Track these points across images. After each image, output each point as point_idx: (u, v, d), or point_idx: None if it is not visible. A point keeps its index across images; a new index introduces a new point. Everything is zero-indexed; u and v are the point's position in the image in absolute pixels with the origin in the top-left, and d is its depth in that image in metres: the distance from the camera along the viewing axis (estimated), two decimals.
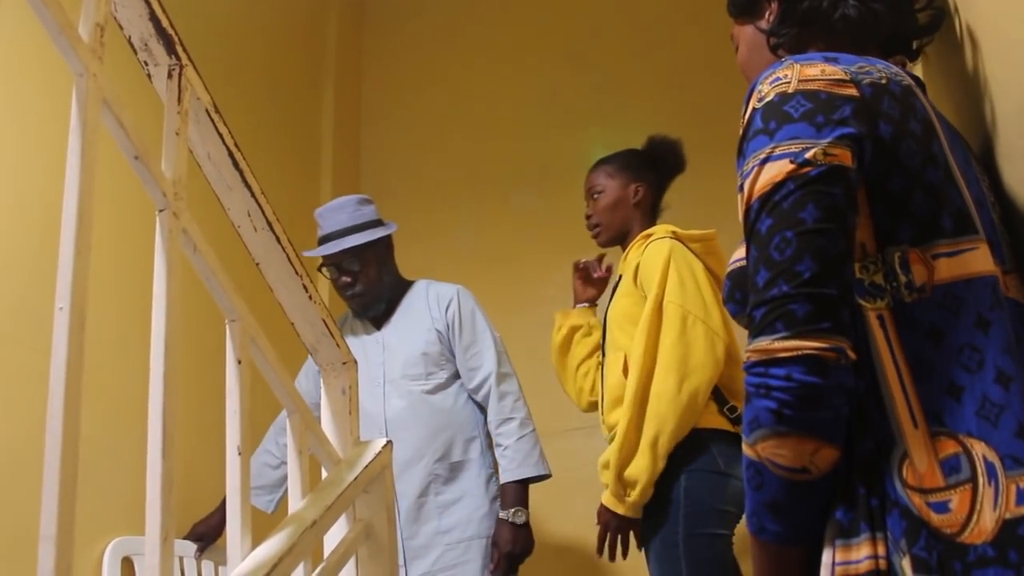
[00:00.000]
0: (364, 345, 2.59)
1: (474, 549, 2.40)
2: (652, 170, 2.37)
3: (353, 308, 2.63)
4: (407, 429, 2.46)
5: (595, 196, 2.36)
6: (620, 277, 2.28)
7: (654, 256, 2.13)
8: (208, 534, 2.46)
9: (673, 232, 2.21)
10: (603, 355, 2.27)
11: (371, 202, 2.63)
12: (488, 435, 2.54)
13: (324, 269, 2.60)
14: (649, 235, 2.24)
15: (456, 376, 2.55)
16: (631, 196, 2.32)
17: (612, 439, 2.11)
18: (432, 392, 2.50)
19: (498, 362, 2.51)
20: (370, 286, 2.55)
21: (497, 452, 2.47)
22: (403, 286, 2.65)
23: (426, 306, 2.58)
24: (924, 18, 1.13)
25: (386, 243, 2.61)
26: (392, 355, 2.54)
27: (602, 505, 2.04)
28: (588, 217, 2.38)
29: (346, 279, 2.53)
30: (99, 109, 0.95)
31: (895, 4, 1.09)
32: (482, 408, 2.55)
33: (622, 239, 2.35)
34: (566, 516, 3.19)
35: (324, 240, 2.54)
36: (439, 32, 4.14)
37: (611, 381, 2.16)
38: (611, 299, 2.29)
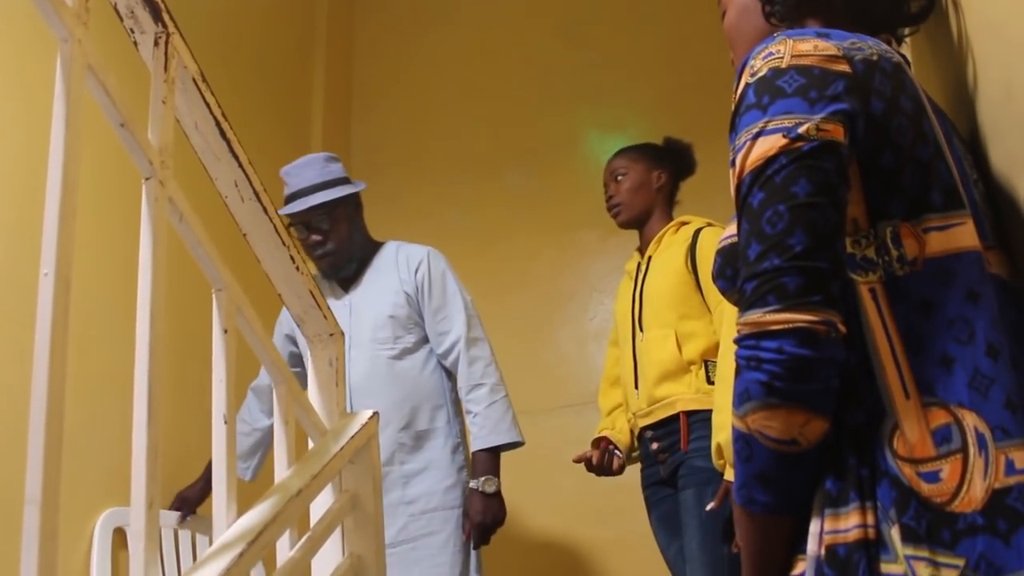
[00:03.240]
0: (331, 308, 2.53)
1: (439, 520, 2.33)
2: (671, 163, 2.48)
3: (322, 269, 2.51)
4: (372, 396, 2.38)
5: (618, 178, 2.45)
6: (650, 258, 2.37)
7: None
8: (190, 499, 2.44)
9: (708, 223, 2.32)
10: (638, 330, 2.32)
11: (338, 160, 2.55)
12: (456, 403, 2.47)
13: (292, 228, 2.45)
14: (686, 222, 2.36)
15: (424, 341, 2.46)
16: (654, 181, 2.43)
17: (650, 413, 2.23)
18: (398, 357, 2.42)
19: (468, 326, 2.42)
20: (341, 245, 2.46)
21: (468, 419, 2.40)
22: (373, 247, 2.57)
23: (395, 267, 2.50)
24: (915, 7, 1.13)
25: (356, 201, 2.52)
26: (359, 318, 2.46)
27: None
28: (610, 198, 2.46)
29: (316, 238, 2.43)
30: (84, 75, 0.95)
31: None
32: (451, 375, 2.48)
33: (640, 222, 2.44)
34: (554, 495, 3.21)
35: (292, 198, 2.44)
36: (431, 8, 4.12)
37: (660, 356, 2.23)
38: (644, 277, 2.36)
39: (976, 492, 0.81)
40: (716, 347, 2.15)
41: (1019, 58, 0.93)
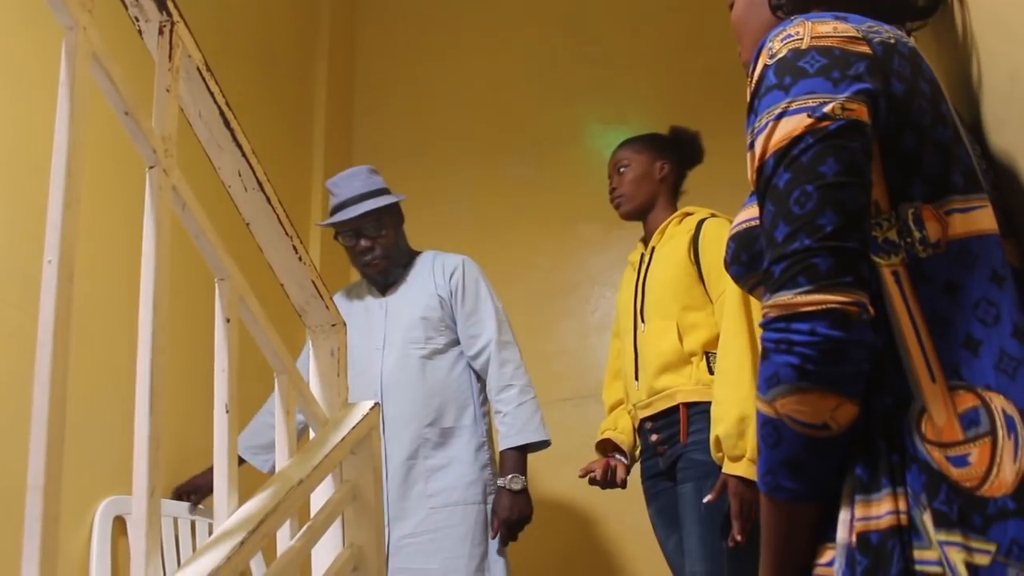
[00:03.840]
0: (368, 309, 2.64)
1: (458, 515, 2.41)
2: (676, 152, 2.47)
3: (371, 274, 2.64)
4: (401, 391, 2.48)
5: (621, 170, 2.45)
6: (653, 249, 2.36)
7: (723, 236, 2.17)
8: (202, 487, 2.46)
9: (712, 214, 2.31)
10: (640, 321, 2.32)
11: (379, 172, 2.69)
12: (483, 404, 2.56)
13: (341, 236, 2.62)
14: (689, 213, 2.35)
15: (455, 343, 2.57)
16: (657, 172, 2.43)
17: (649, 404, 2.23)
18: (428, 357, 2.52)
19: (499, 330, 2.53)
20: (388, 251, 2.59)
21: (497, 419, 2.48)
22: (412, 255, 2.70)
23: (431, 273, 2.62)
24: (923, 1, 1.12)
25: (399, 211, 2.66)
26: (394, 319, 2.57)
27: (735, 479, 1.93)
28: (613, 190, 2.45)
29: (366, 243, 2.56)
30: (89, 63, 0.95)
31: None
32: (479, 377, 2.57)
33: (643, 213, 2.43)
34: (555, 486, 3.22)
35: (340, 207, 2.56)
36: (433, 1, 4.11)
37: (661, 347, 2.23)
38: (647, 268, 2.35)
39: (1006, 476, 0.80)
40: (717, 338, 2.14)
41: None
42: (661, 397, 2.21)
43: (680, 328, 2.21)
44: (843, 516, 0.85)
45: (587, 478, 2.36)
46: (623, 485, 2.36)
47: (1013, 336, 0.85)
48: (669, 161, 2.44)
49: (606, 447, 2.41)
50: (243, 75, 3.21)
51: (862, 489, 0.85)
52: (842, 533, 0.85)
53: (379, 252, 2.57)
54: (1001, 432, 0.82)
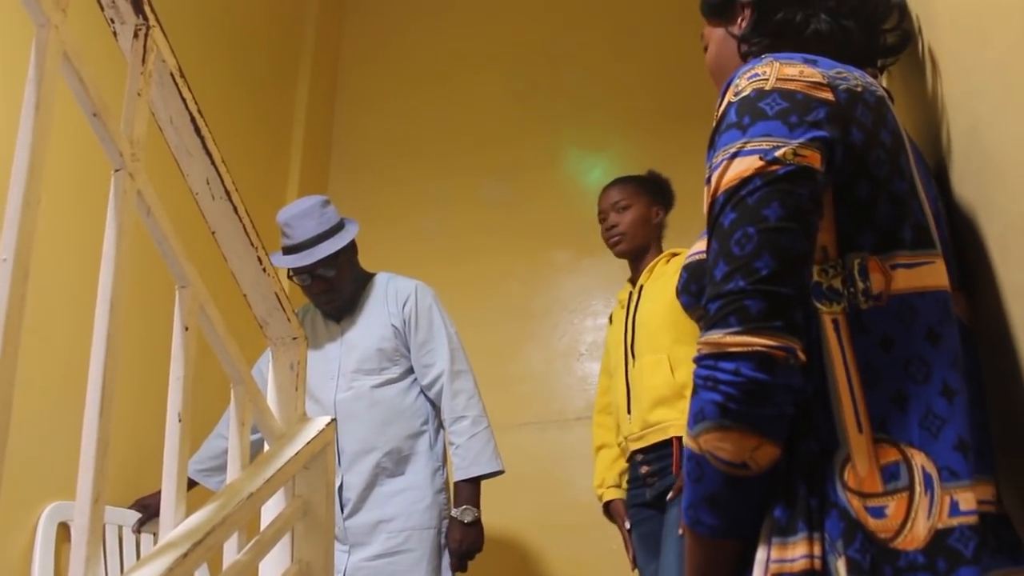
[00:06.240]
0: (323, 338, 2.63)
1: (415, 539, 2.41)
2: (663, 198, 2.55)
3: (325, 310, 2.63)
4: (356, 421, 2.48)
5: (621, 209, 2.49)
6: (642, 287, 2.43)
7: None
8: (151, 507, 2.44)
9: None
10: (631, 357, 2.36)
11: (330, 202, 2.63)
12: (438, 430, 2.57)
13: (296, 277, 2.57)
14: (676, 253, 2.43)
15: (409, 371, 2.56)
16: (653, 216, 2.51)
17: (642, 437, 2.27)
18: (381, 386, 2.51)
19: (452, 359, 2.52)
20: (344, 290, 2.56)
21: (450, 450, 2.49)
22: (366, 279, 2.67)
23: (384, 301, 2.59)
24: (892, 39, 1.15)
25: (354, 242, 2.62)
26: (349, 350, 2.56)
27: None
28: (612, 227, 2.49)
29: (323, 285, 2.53)
30: (59, 61, 0.94)
31: (866, 23, 1.11)
32: (435, 404, 2.56)
33: (639, 254, 2.49)
34: (515, 510, 3.21)
35: (295, 249, 2.50)
36: (419, 21, 4.14)
37: (654, 381, 2.27)
38: (637, 305, 2.40)
39: (919, 531, 0.82)
40: None
41: (984, 104, 0.95)
42: (655, 430, 2.25)
43: (671, 361, 2.26)
44: (759, 556, 0.86)
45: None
46: None
47: (941, 395, 0.86)
48: (662, 208, 2.52)
49: (616, 511, 2.44)
50: (224, 83, 3.20)
51: (779, 531, 0.86)
52: (758, 573, 0.86)
53: (335, 293, 2.55)
54: (919, 488, 0.83)
